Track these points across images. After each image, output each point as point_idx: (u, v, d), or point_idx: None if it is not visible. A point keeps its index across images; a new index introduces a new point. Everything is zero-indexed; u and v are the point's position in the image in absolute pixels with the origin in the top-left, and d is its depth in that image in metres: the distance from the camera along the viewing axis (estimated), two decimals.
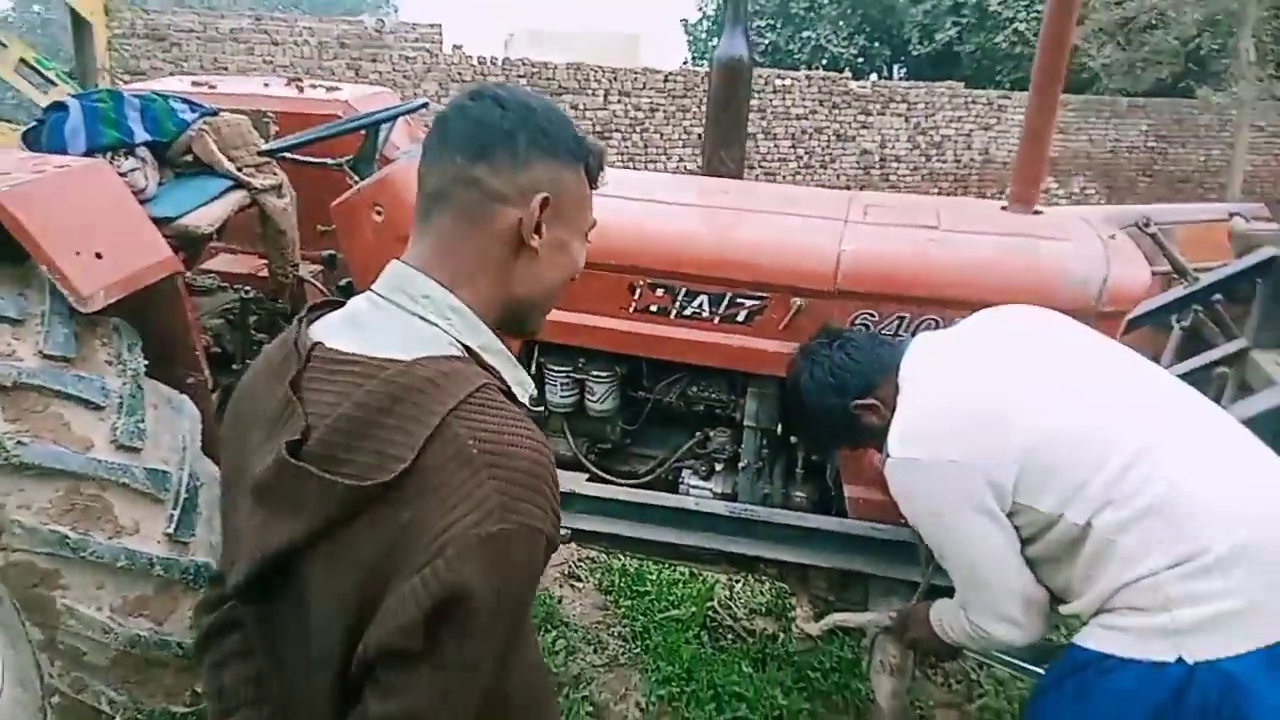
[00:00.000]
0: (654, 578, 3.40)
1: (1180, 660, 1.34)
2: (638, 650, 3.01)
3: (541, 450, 0.85)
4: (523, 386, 0.95)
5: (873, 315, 2.09)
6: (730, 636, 3.18)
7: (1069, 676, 1.47)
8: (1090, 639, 1.45)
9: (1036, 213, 2.35)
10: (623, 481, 2.41)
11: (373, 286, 0.94)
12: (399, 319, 0.90)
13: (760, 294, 2.14)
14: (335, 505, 0.79)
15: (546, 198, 0.93)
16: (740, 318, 2.17)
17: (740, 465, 2.32)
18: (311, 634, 0.84)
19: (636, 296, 2.22)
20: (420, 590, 0.76)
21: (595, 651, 3.00)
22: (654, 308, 2.22)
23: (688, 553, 2.37)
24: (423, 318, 0.90)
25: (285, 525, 0.82)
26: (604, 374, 2.33)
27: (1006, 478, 1.48)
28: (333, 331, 0.92)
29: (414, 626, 0.76)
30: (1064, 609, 1.54)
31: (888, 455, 1.60)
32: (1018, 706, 2.82)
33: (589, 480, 2.33)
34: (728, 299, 2.17)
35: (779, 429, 2.34)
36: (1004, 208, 2.39)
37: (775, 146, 13.36)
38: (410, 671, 0.78)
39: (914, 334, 2.08)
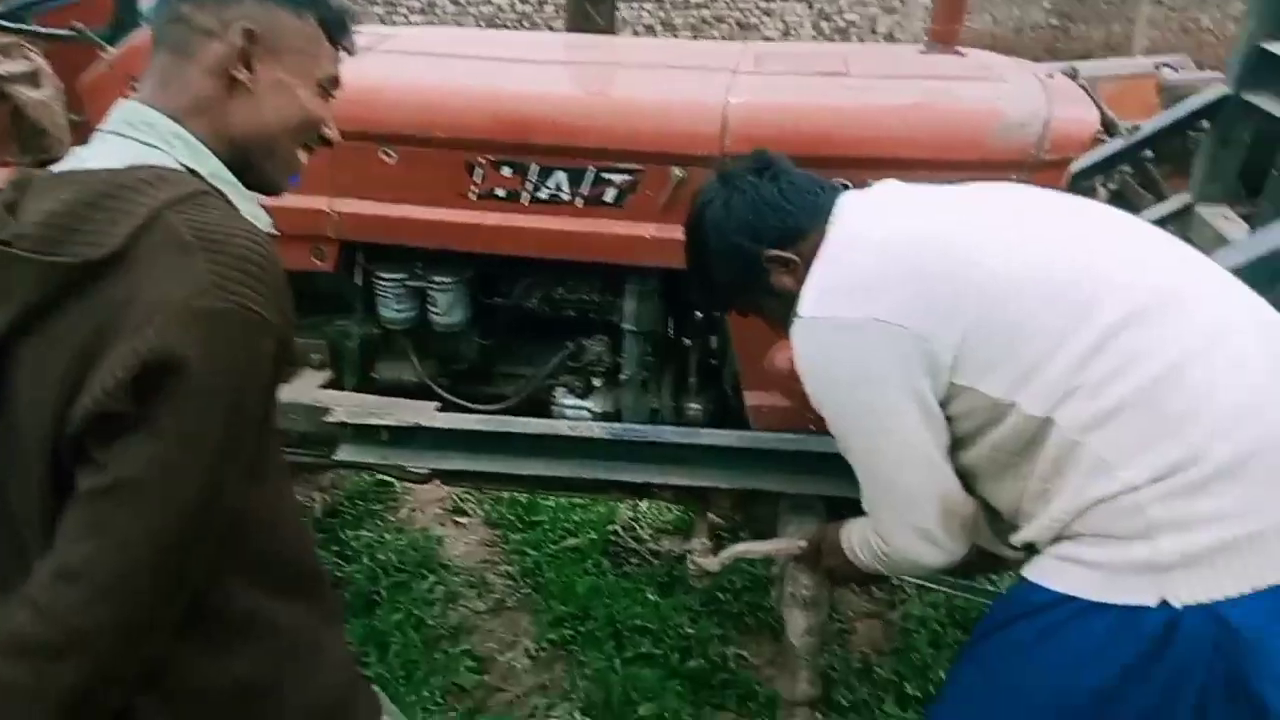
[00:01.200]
0: (550, 504, 3.04)
1: (1164, 603, 1.02)
2: (528, 590, 2.66)
3: (264, 244, 0.84)
4: (258, 219, 0.91)
5: None
6: (634, 561, 2.86)
7: (1019, 621, 1.15)
8: (1048, 575, 1.13)
9: (959, 54, 1.97)
10: (483, 408, 2.00)
11: (97, 126, 0.92)
12: (119, 144, 0.89)
13: (631, 166, 1.72)
14: (41, 285, 0.79)
15: (250, 30, 0.92)
16: (608, 198, 1.75)
17: (622, 378, 1.94)
18: (20, 431, 0.81)
19: (478, 179, 1.77)
20: (128, 354, 0.75)
21: (479, 596, 2.64)
22: (501, 192, 1.78)
23: (568, 485, 1.99)
24: (144, 142, 0.88)
25: None
26: (447, 280, 1.89)
27: (946, 348, 1.13)
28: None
29: (120, 388, 0.75)
30: (1015, 537, 1.21)
31: (797, 316, 1.23)
32: (944, 612, 2.60)
33: (441, 410, 1.91)
34: (591, 176, 1.74)
35: (669, 330, 1.96)
36: (922, 50, 2.00)
37: (675, 38, 12.69)
38: (122, 439, 0.76)
39: None
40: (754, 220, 1.34)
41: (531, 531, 2.90)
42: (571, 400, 2.00)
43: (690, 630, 2.48)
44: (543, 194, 1.77)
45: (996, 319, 1.11)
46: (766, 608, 2.55)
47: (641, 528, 3.00)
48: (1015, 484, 1.17)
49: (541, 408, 2.02)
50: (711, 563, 1.71)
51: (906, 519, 1.24)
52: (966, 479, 1.23)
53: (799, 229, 1.32)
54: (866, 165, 1.65)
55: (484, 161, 1.76)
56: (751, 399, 1.86)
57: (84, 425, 0.76)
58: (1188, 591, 1.01)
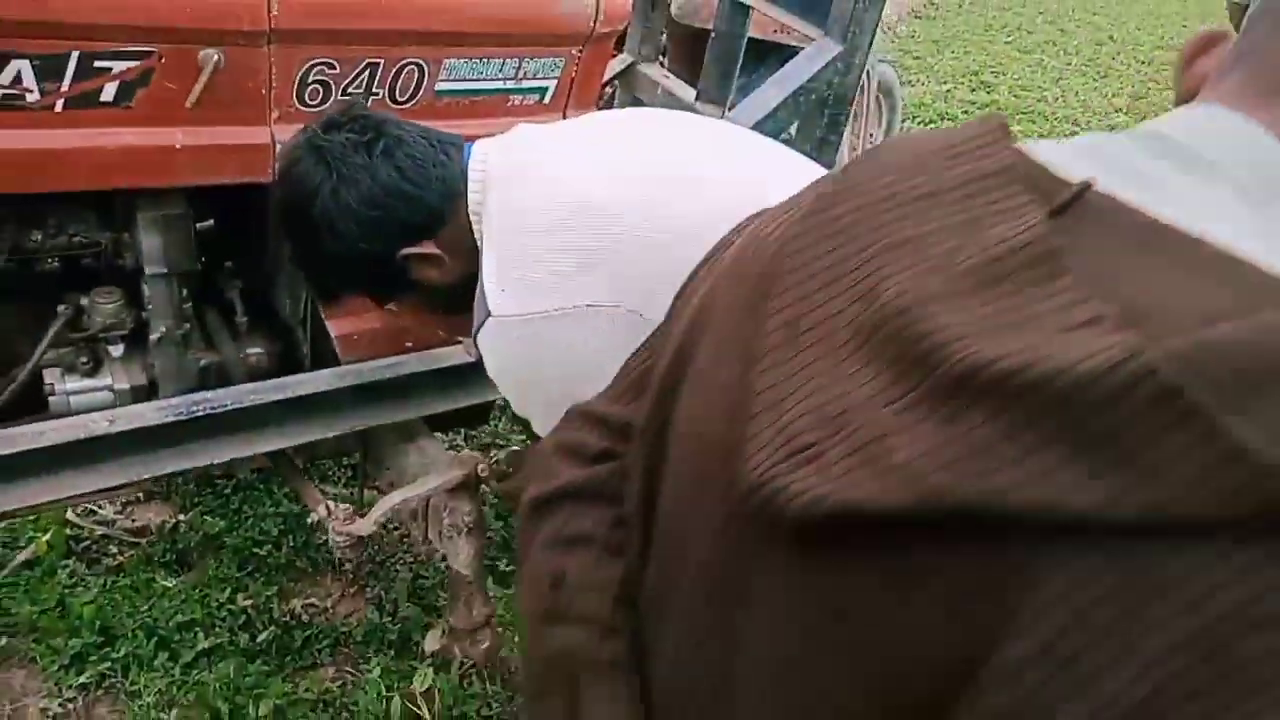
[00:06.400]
0: None
1: None
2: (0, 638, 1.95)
3: None
4: None
5: (332, 67, 1.38)
6: (114, 550, 2.29)
7: None
8: None
9: None
10: None
11: None
12: None
13: (138, 49, 1.23)
14: None
15: None
16: (107, 95, 1.24)
17: (154, 338, 1.46)
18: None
19: None
20: None
21: None
22: None
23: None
24: None
25: None
26: None
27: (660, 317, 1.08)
28: None
29: None
30: None
31: (485, 319, 1.04)
32: None
33: None
34: (74, 64, 1.19)
35: (195, 264, 1.52)
36: None
37: None
38: None
39: (393, 90, 1.46)
40: (379, 217, 1.07)
41: None
42: (76, 382, 1.44)
43: (244, 601, 2.12)
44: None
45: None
46: (315, 545, 2.30)
47: (98, 506, 2.39)
48: None
49: (29, 402, 1.43)
50: (362, 525, 1.46)
51: None
52: None
53: (435, 215, 1.10)
54: (433, 39, 1.46)
55: None
56: (338, 328, 1.57)
57: None
58: None
